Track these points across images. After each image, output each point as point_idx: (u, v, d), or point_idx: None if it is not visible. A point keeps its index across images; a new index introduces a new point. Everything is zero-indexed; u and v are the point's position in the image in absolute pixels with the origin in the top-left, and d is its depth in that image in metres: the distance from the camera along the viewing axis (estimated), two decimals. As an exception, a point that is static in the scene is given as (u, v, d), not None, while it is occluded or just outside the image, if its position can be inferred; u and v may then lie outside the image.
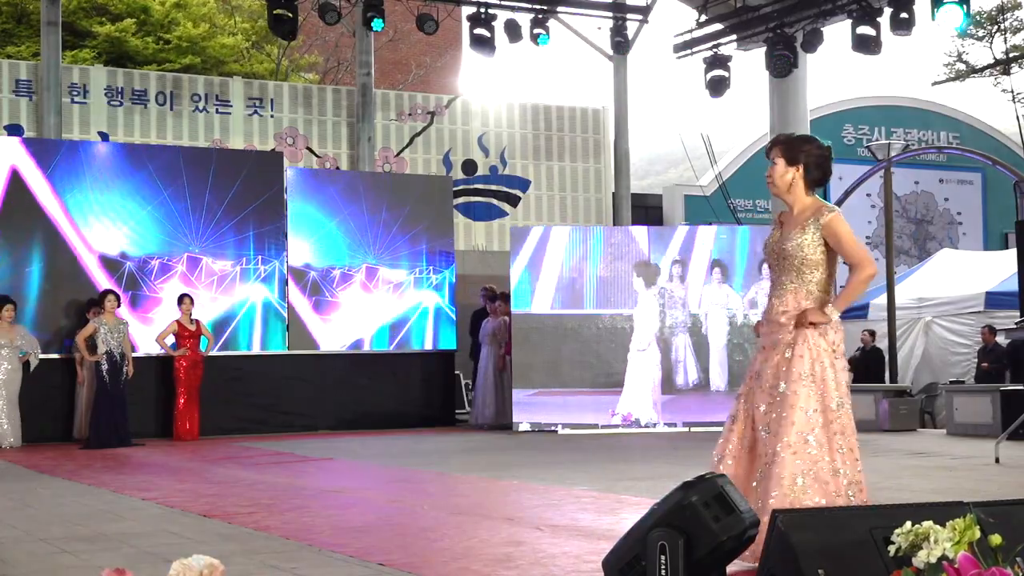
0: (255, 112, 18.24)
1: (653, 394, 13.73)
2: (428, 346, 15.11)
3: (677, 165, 39.37)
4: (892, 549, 3.03)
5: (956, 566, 2.79)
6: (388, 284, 14.91)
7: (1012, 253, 14.92)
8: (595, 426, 13.58)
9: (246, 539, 5.62)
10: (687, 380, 13.86)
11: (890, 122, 24.61)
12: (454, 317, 15.30)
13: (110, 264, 13.40)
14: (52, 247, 13.18)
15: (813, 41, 15.19)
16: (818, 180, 4.83)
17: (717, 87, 15.99)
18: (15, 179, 13.06)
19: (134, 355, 12.81)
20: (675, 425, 13.65)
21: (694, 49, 16.43)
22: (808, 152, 4.79)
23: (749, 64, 17.59)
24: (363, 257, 14.81)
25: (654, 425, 13.62)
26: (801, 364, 4.63)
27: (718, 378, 13.87)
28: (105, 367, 12.12)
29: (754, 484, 4.63)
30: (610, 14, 18.14)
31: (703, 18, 16.47)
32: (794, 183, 4.80)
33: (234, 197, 14.10)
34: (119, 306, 12.50)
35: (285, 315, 14.29)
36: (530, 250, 13.98)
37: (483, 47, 16.20)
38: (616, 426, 13.58)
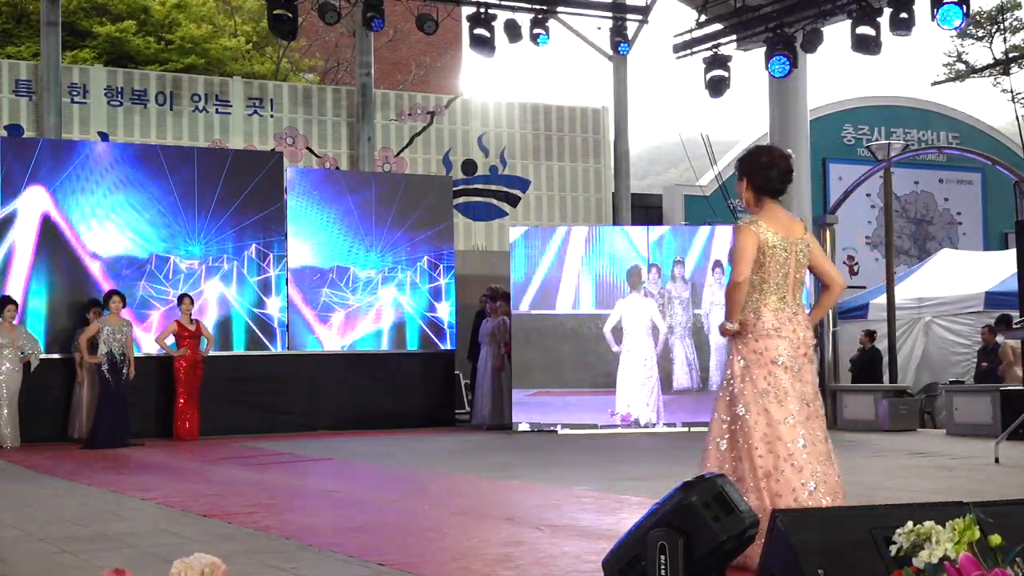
0: (255, 112, 18.23)
1: (649, 394, 13.73)
2: (428, 346, 15.12)
3: (677, 165, 39.38)
4: (893, 549, 3.03)
5: (957, 566, 2.79)
6: (387, 283, 14.91)
7: (1012, 253, 14.91)
8: (594, 426, 13.59)
9: (246, 539, 5.62)
10: (687, 381, 13.86)
11: (890, 122, 24.58)
12: (454, 317, 15.31)
13: (109, 264, 13.42)
14: (53, 247, 13.19)
15: (813, 41, 15.17)
16: (762, 187, 4.89)
17: (717, 87, 15.97)
18: (12, 181, 13.11)
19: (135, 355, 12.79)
20: (675, 425, 13.65)
21: (694, 49, 16.41)
22: (749, 161, 4.94)
23: (749, 64, 17.58)
24: (363, 257, 14.82)
25: (654, 425, 13.63)
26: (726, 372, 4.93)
27: (717, 378, 13.87)
28: (105, 367, 12.08)
29: None
30: (610, 14, 18.14)
31: (703, 18, 16.45)
32: (748, 196, 4.94)
33: (233, 197, 14.10)
34: (124, 307, 12.45)
35: (285, 315, 14.29)
36: (530, 250, 13.98)
37: (483, 47, 16.18)
38: (615, 426, 13.58)
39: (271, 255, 14.23)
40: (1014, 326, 12.09)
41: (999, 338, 15.06)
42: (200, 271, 13.85)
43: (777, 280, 4.80)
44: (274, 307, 14.24)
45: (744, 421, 4.68)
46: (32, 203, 13.14)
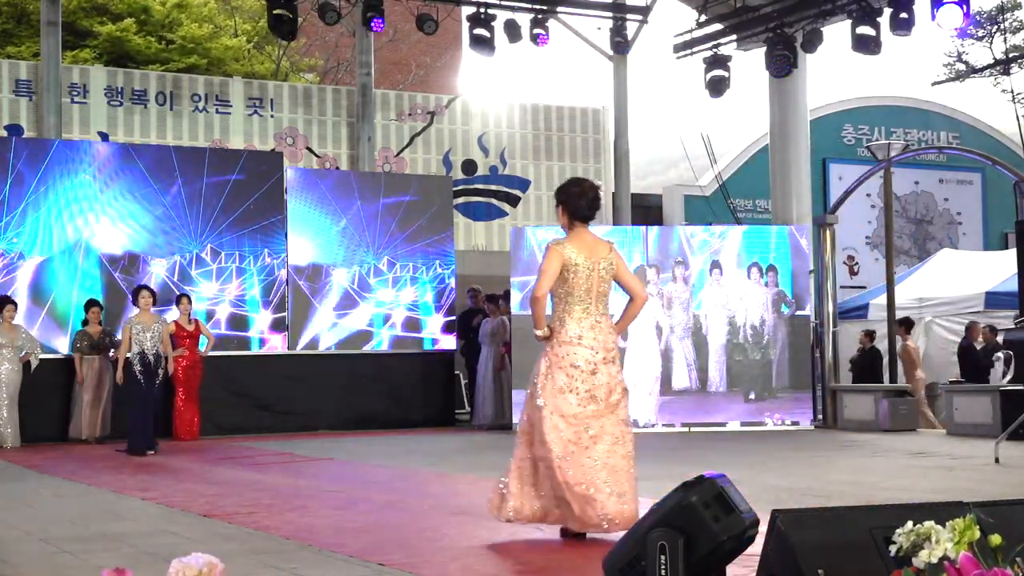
0: (255, 112, 18.23)
1: (649, 395, 13.74)
2: (428, 346, 15.12)
3: (677, 165, 39.29)
4: (893, 549, 3.03)
5: (957, 566, 2.79)
6: (387, 284, 14.91)
7: (1012, 253, 14.92)
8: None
9: (246, 539, 5.62)
10: (687, 381, 13.87)
11: (890, 122, 24.58)
12: (454, 317, 15.31)
13: (111, 263, 13.43)
14: (56, 247, 13.21)
15: (813, 41, 15.18)
16: (574, 213, 5.68)
17: (717, 87, 15.97)
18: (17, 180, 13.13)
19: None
20: (673, 426, 13.66)
21: (694, 49, 16.42)
22: (564, 192, 5.75)
23: (749, 64, 17.58)
24: (362, 257, 14.82)
25: (652, 426, 13.63)
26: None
27: (716, 379, 13.89)
28: (137, 368, 11.40)
29: None
30: (610, 14, 18.14)
31: (703, 18, 16.45)
32: (563, 221, 5.73)
33: (234, 197, 14.11)
34: (155, 303, 11.83)
35: (285, 315, 14.29)
36: (531, 250, 13.98)
37: (483, 47, 16.19)
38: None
39: (271, 254, 14.23)
40: (1015, 324, 12.08)
41: (999, 338, 15.08)
42: (233, 273, 13.87)
43: (580, 293, 5.59)
44: (274, 306, 14.24)
45: (542, 411, 5.49)
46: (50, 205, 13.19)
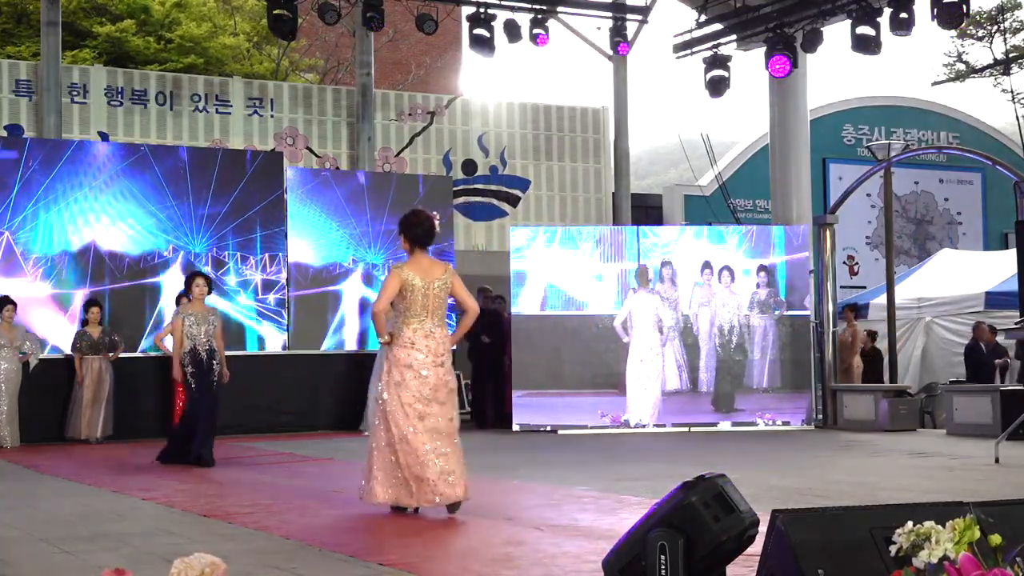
0: (255, 112, 18.22)
1: (653, 396, 13.75)
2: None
3: (677, 165, 39.34)
4: (893, 549, 3.03)
5: (957, 566, 2.79)
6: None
7: (1012, 253, 14.91)
8: (585, 427, 13.56)
9: (246, 539, 5.62)
10: (678, 382, 13.86)
11: (890, 122, 24.57)
12: (454, 317, 15.30)
13: (112, 262, 13.43)
14: (57, 246, 13.22)
15: (813, 41, 15.17)
16: (413, 240, 6.68)
17: (717, 87, 15.96)
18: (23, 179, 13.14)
19: (128, 355, 12.80)
20: (664, 426, 13.64)
21: (694, 49, 16.40)
22: (405, 221, 6.72)
23: (749, 64, 17.58)
24: (363, 257, 14.82)
25: (643, 426, 13.62)
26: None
27: (707, 379, 13.88)
28: (188, 368, 9.98)
29: None
30: (610, 14, 18.14)
31: (703, 18, 16.44)
32: (406, 246, 6.72)
33: (234, 197, 14.12)
34: (210, 292, 10.16)
35: (285, 314, 14.29)
36: (530, 250, 13.99)
37: (483, 47, 16.18)
38: (606, 427, 13.59)
39: (271, 254, 14.24)
40: (1015, 325, 12.07)
41: (999, 338, 15.08)
42: (234, 272, 13.86)
43: (416, 309, 6.55)
44: (274, 306, 14.24)
45: (387, 403, 6.51)
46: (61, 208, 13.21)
